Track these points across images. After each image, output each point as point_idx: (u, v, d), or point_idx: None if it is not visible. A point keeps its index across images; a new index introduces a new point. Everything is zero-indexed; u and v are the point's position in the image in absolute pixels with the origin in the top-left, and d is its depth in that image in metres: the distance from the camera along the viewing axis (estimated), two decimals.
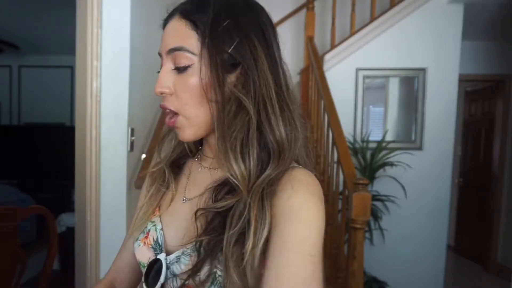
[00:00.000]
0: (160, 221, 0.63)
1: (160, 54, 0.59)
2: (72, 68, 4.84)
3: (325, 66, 3.04)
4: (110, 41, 1.73)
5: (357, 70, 3.09)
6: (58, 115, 5.01)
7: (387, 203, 2.97)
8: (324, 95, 2.30)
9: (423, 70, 3.06)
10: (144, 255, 0.61)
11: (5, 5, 3.50)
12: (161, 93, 0.57)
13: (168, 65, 0.57)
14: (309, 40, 3.12)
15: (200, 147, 0.68)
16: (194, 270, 0.52)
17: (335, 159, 2.05)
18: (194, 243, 0.55)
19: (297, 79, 3.40)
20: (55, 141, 4.34)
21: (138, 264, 0.67)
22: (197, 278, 0.52)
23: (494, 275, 3.89)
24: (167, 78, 0.57)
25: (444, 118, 3.07)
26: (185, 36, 0.55)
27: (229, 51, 0.54)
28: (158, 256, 0.58)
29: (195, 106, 0.56)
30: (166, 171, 0.66)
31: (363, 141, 3.05)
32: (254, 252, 0.49)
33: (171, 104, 0.57)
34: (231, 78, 0.55)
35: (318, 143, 2.58)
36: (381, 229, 2.88)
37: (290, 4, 3.65)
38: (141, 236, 0.63)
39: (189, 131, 0.58)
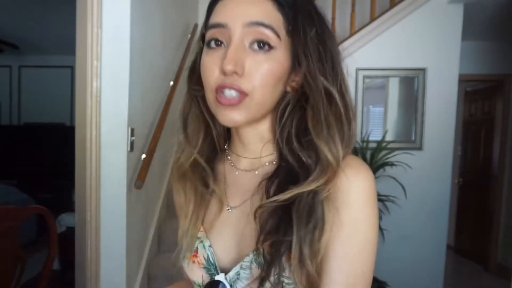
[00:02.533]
0: (207, 236, 0.58)
1: (221, 24, 0.50)
2: (72, 68, 4.84)
3: None
4: (110, 41, 1.73)
5: (357, 70, 3.08)
6: (58, 115, 5.01)
7: (387, 203, 2.97)
8: None
9: (423, 70, 3.06)
10: (197, 275, 0.57)
11: (5, 5, 3.51)
12: (233, 72, 0.48)
13: (242, 41, 0.49)
14: None
15: (226, 146, 0.62)
16: (262, 279, 0.48)
17: None
18: (253, 253, 0.51)
19: None
20: (55, 141, 4.34)
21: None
22: (265, 287, 0.49)
23: (494, 275, 3.89)
24: (241, 56, 0.49)
25: (444, 118, 3.06)
26: (272, 15, 0.50)
27: (309, 38, 0.51)
28: (217, 278, 0.53)
29: (269, 90, 0.51)
30: (207, 169, 0.58)
31: (363, 141, 3.05)
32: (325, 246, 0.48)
33: (242, 84, 0.49)
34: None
35: None
36: (381, 229, 2.88)
37: None
38: (189, 254, 0.58)
39: (246, 114, 0.51)
